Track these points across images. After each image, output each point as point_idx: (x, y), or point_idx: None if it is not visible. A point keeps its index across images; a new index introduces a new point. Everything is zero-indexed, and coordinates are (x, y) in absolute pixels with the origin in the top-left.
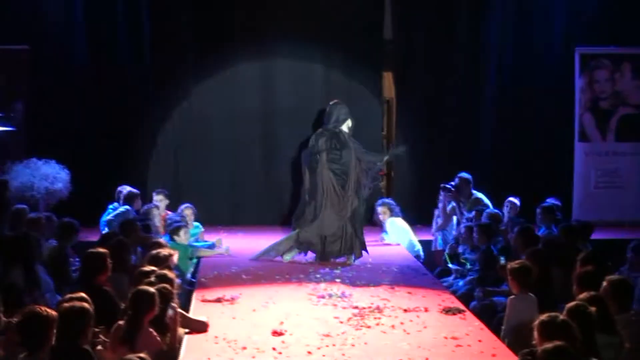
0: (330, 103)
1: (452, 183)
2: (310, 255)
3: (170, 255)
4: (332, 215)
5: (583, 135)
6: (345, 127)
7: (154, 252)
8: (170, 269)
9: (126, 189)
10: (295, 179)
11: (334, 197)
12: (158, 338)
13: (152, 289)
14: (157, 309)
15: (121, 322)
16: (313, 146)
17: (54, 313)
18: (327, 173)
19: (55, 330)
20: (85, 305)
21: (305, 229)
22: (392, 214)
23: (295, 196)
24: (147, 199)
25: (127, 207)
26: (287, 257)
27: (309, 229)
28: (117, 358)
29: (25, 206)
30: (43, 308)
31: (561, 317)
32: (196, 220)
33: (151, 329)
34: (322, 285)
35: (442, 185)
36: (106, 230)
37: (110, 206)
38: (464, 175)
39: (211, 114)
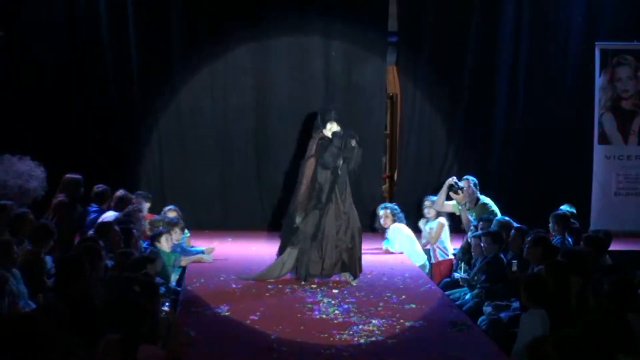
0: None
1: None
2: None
3: (150, 261)
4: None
5: (603, 137)
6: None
7: (134, 258)
8: (151, 276)
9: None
10: (291, 180)
11: (335, 208)
12: (158, 350)
13: (145, 301)
14: (150, 320)
15: (113, 336)
16: (339, 150)
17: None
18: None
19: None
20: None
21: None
22: (395, 219)
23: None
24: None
25: (114, 212)
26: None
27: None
28: None
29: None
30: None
31: (578, 333)
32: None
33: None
34: (319, 296)
35: (453, 181)
36: None
37: (92, 209)
38: (468, 177)
39: (200, 108)
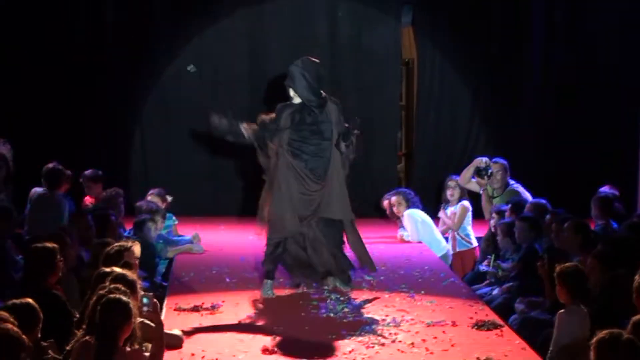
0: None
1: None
2: None
3: (126, 249)
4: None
5: None
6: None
7: (108, 248)
8: (130, 267)
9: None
10: None
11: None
12: (146, 354)
13: (124, 298)
14: (133, 322)
15: (88, 338)
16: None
17: (24, 338)
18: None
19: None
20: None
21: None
22: (410, 205)
23: None
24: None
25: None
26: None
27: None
28: None
29: None
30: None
31: (625, 334)
32: (168, 210)
33: (127, 347)
34: (325, 292)
35: (483, 165)
36: None
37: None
38: (500, 160)
39: (187, 80)
